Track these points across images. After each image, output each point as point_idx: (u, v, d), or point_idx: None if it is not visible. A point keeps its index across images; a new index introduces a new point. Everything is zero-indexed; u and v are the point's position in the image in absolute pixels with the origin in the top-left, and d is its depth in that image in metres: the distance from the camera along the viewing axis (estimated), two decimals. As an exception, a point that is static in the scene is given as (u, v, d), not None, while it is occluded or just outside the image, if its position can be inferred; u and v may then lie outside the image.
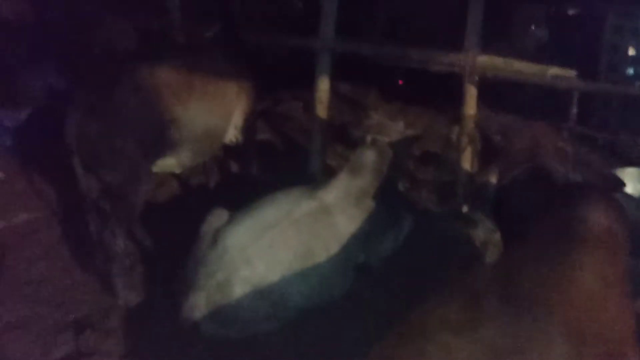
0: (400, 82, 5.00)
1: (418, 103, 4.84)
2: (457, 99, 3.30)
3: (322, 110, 3.80)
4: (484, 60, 3.18)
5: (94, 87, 2.98)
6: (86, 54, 5.01)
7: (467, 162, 3.34)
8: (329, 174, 3.78)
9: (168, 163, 3.18)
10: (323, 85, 3.74)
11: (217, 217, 2.77)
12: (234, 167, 4.11)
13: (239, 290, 2.44)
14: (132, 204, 2.94)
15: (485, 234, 3.03)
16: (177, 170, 3.48)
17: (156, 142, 2.93)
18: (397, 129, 3.12)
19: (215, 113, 3.26)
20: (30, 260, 3.39)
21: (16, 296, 3.09)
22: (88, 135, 2.74)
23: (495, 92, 3.49)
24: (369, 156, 2.89)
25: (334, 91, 3.97)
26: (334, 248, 2.63)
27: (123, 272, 2.93)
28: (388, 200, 2.93)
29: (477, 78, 3.20)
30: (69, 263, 3.35)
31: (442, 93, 3.89)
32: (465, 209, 3.20)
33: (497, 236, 2.74)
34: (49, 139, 4.40)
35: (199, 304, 2.44)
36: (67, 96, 4.47)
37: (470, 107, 3.30)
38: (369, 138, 2.99)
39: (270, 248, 2.51)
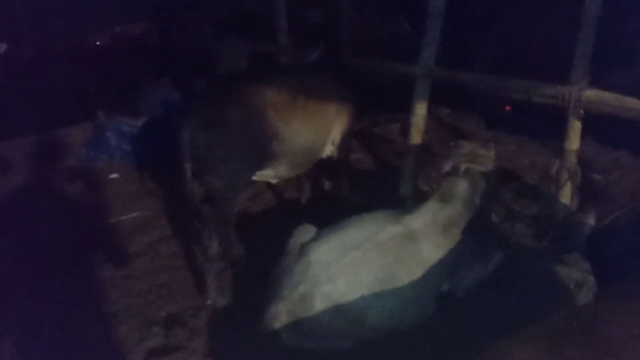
0: (501, 111, 4.88)
1: (519, 134, 4.70)
2: (559, 132, 3.16)
3: (417, 135, 3.80)
4: (591, 94, 3.03)
5: (208, 102, 3.22)
6: (201, 73, 5.42)
7: (565, 198, 3.19)
8: (419, 199, 3.77)
9: (266, 174, 3.36)
10: (420, 110, 3.75)
11: (305, 232, 2.87)
12: (326, 184, 4.21)
13: (319, 304, 2.50)
14: (230, 210, 3.14)
15: (580, 275, 2.86)
16: (273, 181, 3.64)
17: (258, 154, 3.12)
18: (494, 159, 3.03)
19: (315, 130, 3.40)
20: (134, 255, 3.70)
21: (118, 288, 3.39)
22: (199, 144, 2.97)
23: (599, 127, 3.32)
24: (461, 185, 2.85)
25: (433, 116, 3.97)
26: (417, 274, 2.62)
27: (215, 274, 3.12)
28: (478, 231, 2.87)
29: (582, 112, 3.06)
30: (166, 261, 3.62)
31: (544, 125, 3.76)
32: (560, 246, 3.05)
33: (592, 279, 2.60)
34: (161, 146, 4.81)
35: (280, 314, 2.53)
36: (179, 108, 4.89)
37: (573, 141, 3.15)
38: (463, 166, 2.93)
39: (352, 267, 2.55)
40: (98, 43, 6.25)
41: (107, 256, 3.70)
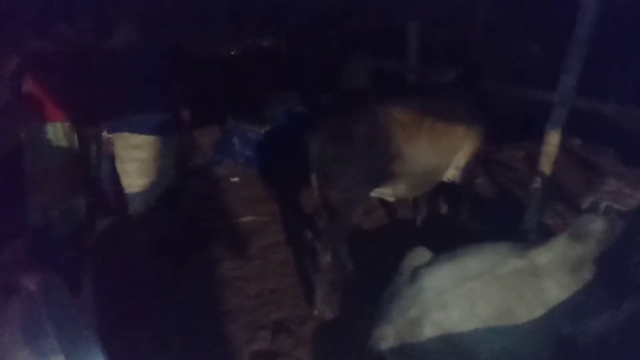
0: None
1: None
2: None
3: (547, 165, 3.58)
4: None
5: (336, 117, 3.28)
6: (328, 87, 5.55)
7: None
8: (543, 233, 3.54)
9: (384, 191, 3.34)
10: (553, 140, 3.52)
11: (419, 255, 2.79)
12: (444, 208, 4.09)
13: (428, 332, 2.41)
14: (346, 224, 3.14)
15: None
16: (390, 199, 3.60)
17: (380, 171, 3.10)
18: (637, 199, 2.76)
19: (439, 153, 3.32)
20: (247, 258, 3.83)
21: (230, 288, 3.52)
22: (324, 157, 3.02)
23: None
24: (597, 224, 2.62)
25: (564, 147, 3.72)
26: (537, 313, 2.44)
27: (325, 286, 3.13)
28: (611, 275, 2.63)
29: None
30: (278, 267, 3.70)
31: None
32: None
33: None
34: (282, 154, 4.98)
35: (387, 336, 2.47)
36: (303, 120, 5.02)
37: None
38: (604, 204, 2.70)
39: (467, 298, 2.43)
40: (232, 53, 6.63)
41: (222, 256, 3.87)
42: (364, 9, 6.27)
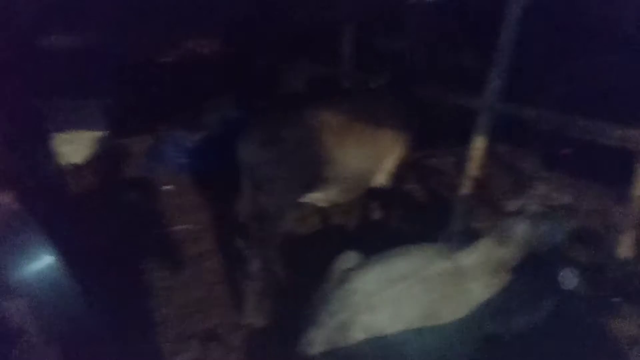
0: (563, 152, 4.68)
1: (579, 176, 4.50)
2: (624, 176, 2.99)
3: (474, 169, 3.70)
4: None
5: (266, 120, 3.26)
6: (263, 92, 5.52)
7: (626, 247, 3.00)
8: (471, 236, 3.64)
9: (316, 197, 3.34)
10: (479, 144, 3.65)
11: (349, 259, 2.80)
12: (376, 212, 4.14)
13: (358, 334, 2.42)
14: (277, 229, 3.12)
15: (635, 330, 2.67)
16: (322, 205, 3.61)
17: (311, 176, 3.10)
18: (562, 203, 2.88)
19: (369, 156, 3.36)
20: (178, 267, 3.74)
21: (159, 298, 3.43)
22: (255, 161, 3.00)
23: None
24: (521, 227, 2.71)
25: (491, 151, 3.85)
26: (462, 313, 2.50)
27: (255, 293, 3.09)
28: (531, 275, 2.73)
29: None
30: (209, 275, 3.64)
31: (607, 168, 3.57)
32: (616, 297, 2.86)
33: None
34: (216, 161, 4.90)
35: (317, 340, 2.47)
36: (238, 126, 4.96)
37: (641, 187, 2.97)
38: (532, 208, 2.80)
39: (395, 300, 2.47)
40: (166, 58, 6.49)
41: (152, 265, 3.76)
42: (298, 12, 6.30)
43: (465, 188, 3.74)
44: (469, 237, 3.07)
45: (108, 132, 5.36)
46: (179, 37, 6.44)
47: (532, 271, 2.73)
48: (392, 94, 3.70)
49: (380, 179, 3.59)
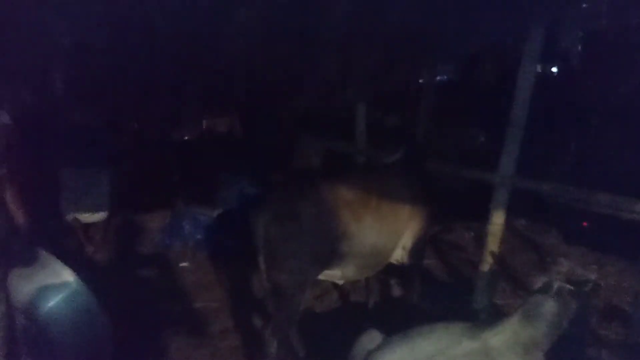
0: (584, 225, 4.63)
1: (601, 250, 4.42)
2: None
3: (494, 245, 3.65)
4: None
5: (281, 196, 3.26)
6: (279, 168, 5.61)
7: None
8: (495, 313, 3.54)
9: (333, 274, 3.28)
10: (497, 219, 3.62)
11: (371, 338, 2.71)
12: (395, 289, 4.06)
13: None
14: (294, 308, 3.04)
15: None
16: (340, 282, 3.55)
17: (327, 252, 3.07)
18: (587, 279, 2.79)
19: (386, 232, 3.32)
20: (193, 347, 3.64)
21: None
22: (270, 237, 2.98)
23: None
24: (550, 305, 2.62)
25: (510, 226, 3.82)
26: (492, 395, 2.39)
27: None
28: (560, 354, 2.62)
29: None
30: (227, 354, 3.53)
31: (629, 242, 3.52)
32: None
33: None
34: (233, 238, 4.90)
35: None
36: (254, 202, 5.00)
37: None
38: (556, 285, 2.71)
39: (421, 382, 2.37)
40: (186, 137, 6.68)
41: (169, 344, 3.67)
42: (312, 90, 6.49)
43: (486, 264, 3.68)
44: (493, 315, 2.99)
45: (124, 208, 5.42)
46: (196, 115, 6.65)
47: (561, 350, 2.63)
48: (407, 170, 3.72)
49: (398, 255, 3.54)
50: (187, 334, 3.77)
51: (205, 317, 3.99)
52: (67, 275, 2.90)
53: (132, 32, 2.94)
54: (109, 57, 3.19)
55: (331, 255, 3.10)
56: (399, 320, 2.91)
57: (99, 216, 5.02)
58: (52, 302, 2.79)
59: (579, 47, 6.19)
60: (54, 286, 2.84)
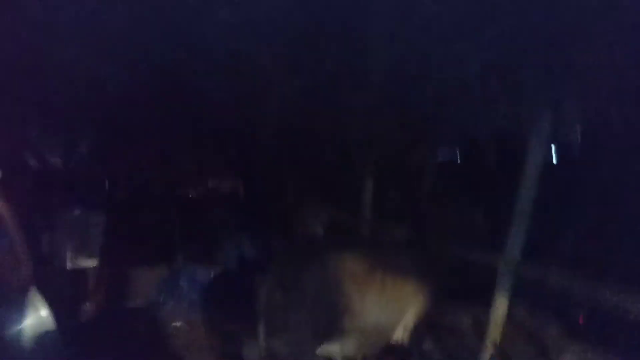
0: (587, 317, 4.52)
1: (607, 347, 4.30)
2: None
3: (495, 332, 3.57)
4: None
5: (287, 263, 3.26)
6: (281, 234, 5.59)
7: None
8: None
9: (331, 349, 3.21)
10: (500, 305, 3.56)
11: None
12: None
13: None
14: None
15: None
16: (338, 359, 3.46)
17: (328, 324, 3.02)
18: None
19: (389, 309, 3.29)
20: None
21: None
22: (273, 304, 2.94)
23: None
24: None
25: (511, 313, 3.74)
26: None
27: None
28: None
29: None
30: None
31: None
32: None
33: None
34: (228, 300, 4.81)
35: None
36: (254, 266, 4.96)
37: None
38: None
39: None
40: (190, 196, 6.71)
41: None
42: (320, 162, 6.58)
43: (486, 353, 3.58)
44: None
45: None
46: (200, 175, 6.73)
47: None
48: (411, 247, 3.72)
49: (399, 334, 3.47)
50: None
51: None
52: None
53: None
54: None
55: (332, 328, 3.05)
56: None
57: (90, 262, 5.00)
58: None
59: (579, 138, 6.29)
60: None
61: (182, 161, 6.39)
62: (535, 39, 2.50)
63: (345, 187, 5.73)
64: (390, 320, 3.35)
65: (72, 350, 3.28)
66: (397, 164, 5.94)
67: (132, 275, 5.39)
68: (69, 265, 4.91)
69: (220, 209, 6.41)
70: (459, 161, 6.93)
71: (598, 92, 3.37)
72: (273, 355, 3.01)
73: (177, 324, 4.85)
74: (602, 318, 4.35)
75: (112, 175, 5.73)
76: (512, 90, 3.31)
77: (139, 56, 2.60)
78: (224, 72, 2.92)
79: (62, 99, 3.33)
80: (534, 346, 4.31)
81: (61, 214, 4.91)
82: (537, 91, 3.37)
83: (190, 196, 6.76)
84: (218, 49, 2.56)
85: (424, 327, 3.59)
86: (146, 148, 5.77)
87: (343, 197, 5.68)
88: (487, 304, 3.64)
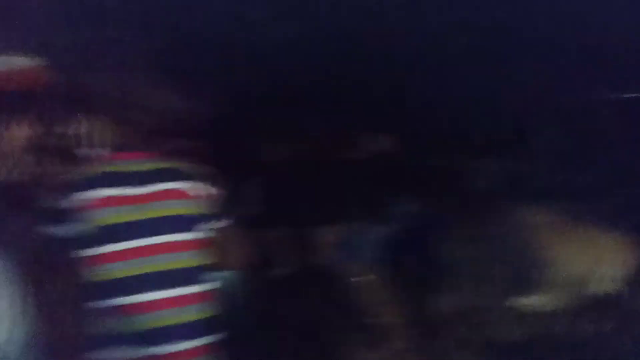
0: None
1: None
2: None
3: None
4: None
5: (467, 217, 3.21)
6: (447, 190, 5.48)
7: None
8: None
9: (528, 302, 3.12)
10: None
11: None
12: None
13: None
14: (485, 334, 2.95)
15: None
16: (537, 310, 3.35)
17: (522, 277, 2.94)
18: None
19: (586, 259, 3.09)
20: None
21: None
22: (458, 260, 2.93)
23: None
24: None
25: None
26: None
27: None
28: None
29: None
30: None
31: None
32: None
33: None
34: (405, 256, 4.88)
35: None
36: (430, 222, 4.93)
37: None
38: None
39: None
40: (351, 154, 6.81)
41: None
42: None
43: None
44: None
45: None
46: (358, 134, 6.76)
47: None
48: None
49: (598, 285, 3.25)
50: (362, 349, 3.81)
51: (383, 335, 4.01)
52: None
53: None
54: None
55: (527, 281, 2.96)
56: None
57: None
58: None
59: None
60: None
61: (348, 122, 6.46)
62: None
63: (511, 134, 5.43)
64: (588, 271, 3.15)
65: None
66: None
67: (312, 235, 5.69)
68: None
69: (381, 167, 6.44)
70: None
71: None
72: (463, 309, 3.01)
73: (356, 279, 5.05)
74: None
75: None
76: None
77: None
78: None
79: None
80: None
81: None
82: None
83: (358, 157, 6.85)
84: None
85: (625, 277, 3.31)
86: (311, 109, 5.93)
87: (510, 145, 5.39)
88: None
